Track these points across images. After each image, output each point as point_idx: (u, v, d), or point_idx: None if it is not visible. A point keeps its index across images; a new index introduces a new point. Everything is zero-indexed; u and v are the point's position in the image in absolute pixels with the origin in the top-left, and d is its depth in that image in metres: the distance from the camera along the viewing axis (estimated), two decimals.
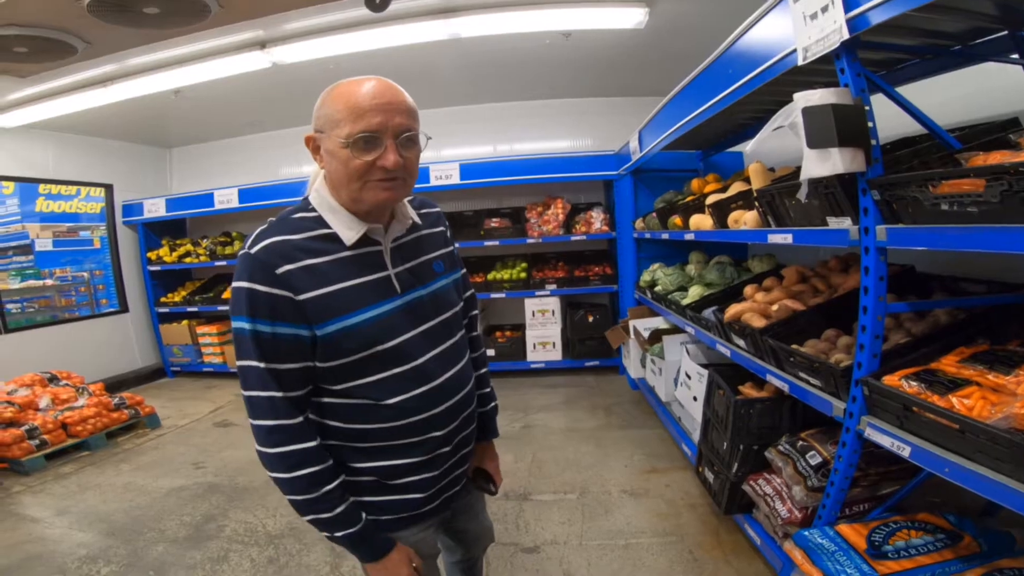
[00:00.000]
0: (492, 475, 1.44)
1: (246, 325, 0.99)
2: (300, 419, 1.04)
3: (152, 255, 6.09)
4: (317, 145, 1.05)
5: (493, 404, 1.48)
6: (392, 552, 1.12)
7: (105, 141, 5.86)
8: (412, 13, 3.41)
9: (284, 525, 2.76)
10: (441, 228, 1.30)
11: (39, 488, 3.39)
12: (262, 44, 3.66)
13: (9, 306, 4.95)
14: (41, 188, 5.28)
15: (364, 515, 1.10)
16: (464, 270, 1.38)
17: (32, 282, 5.18)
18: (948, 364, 1.45)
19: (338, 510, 1.06)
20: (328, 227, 1.07)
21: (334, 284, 1.03)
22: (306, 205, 1.10)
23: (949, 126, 1.70)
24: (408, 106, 1.04)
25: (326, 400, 1.10)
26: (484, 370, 1.45)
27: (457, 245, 1.38)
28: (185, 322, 6.10)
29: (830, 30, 1.44)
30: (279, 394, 1.01)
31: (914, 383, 1.41)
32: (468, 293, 1.43)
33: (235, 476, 3.40)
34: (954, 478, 1.22)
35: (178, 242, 6.21)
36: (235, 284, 1.01)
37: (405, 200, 1.17)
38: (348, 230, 1.06)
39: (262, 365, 1.00)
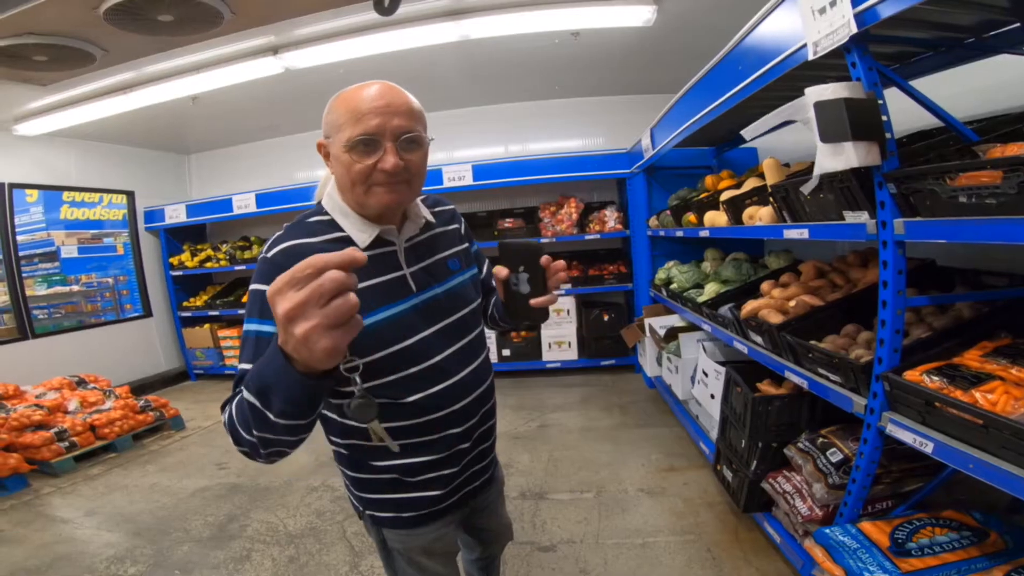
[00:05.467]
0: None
1: (262, 327, 0.99)
2: None
3: (174, 260, 6.21)
4: (327, 151, 1.07)
5: None
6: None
7: (125, 148, 5.98)
8: (421, 16, 3.44)
9: (304, 525, 2.80)
10: (456, 225, 1.31)
11: (68, 489, 3.48)
12: (274, 50, 3.71)
13: (36, 312, 5.07)
14: (65, 196, 5.40)
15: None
16: (477, 267, 1.36)
17: (58, 288, 5.30)
18: (971, 358, 1.43)
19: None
20: (341, 230, 1.08)
21: None
22: (320, 209, 1.12)
23: (965, 118, 1.67)
24: (409, 107, 1.02)
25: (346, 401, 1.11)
26: None
27: (477, 245, 1.39)
28: (207, 326, 6.21)
29: (839, 24, 1.42)
30: None
31: (936, 378, 1.38)
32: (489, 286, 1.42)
33: (256, 477, 3.46)
34: (978, 474, 1.20)
35: (199, 247, 6.31)
36: (252, 287, 1.02)
37: (418, 200, 1.18)
38: (360, 232, 1.07)
39: None
